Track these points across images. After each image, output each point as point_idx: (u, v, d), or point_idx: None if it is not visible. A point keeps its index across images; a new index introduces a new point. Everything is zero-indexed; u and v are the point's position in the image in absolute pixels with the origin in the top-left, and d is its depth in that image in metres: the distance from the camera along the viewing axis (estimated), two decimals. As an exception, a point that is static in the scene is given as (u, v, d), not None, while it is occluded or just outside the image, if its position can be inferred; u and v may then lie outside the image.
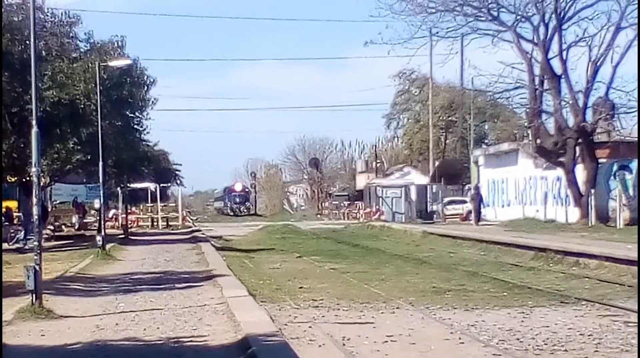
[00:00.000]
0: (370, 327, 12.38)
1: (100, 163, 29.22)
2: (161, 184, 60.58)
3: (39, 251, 13.58)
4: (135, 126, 37.58)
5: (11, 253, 26.65)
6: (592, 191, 36.94)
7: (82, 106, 30.56)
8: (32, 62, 14.68)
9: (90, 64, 30.84)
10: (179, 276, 20.33)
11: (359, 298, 15.76)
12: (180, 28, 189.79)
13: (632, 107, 37.09)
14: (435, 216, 54.95)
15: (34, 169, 14.21)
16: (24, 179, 31.98)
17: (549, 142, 39.32)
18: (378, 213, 55.63)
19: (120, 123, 34.15)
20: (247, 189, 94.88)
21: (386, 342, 11.09)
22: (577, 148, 38.25)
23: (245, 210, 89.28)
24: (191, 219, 65.25)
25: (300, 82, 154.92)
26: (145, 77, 35.60)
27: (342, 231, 45.51)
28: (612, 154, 38.95)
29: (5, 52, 26.53)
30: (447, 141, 73.97)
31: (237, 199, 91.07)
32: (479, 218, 43.53)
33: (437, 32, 42.29)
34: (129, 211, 49.20)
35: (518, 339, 11.32)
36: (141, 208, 60.91)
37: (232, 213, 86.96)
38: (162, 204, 60.24)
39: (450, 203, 55.97)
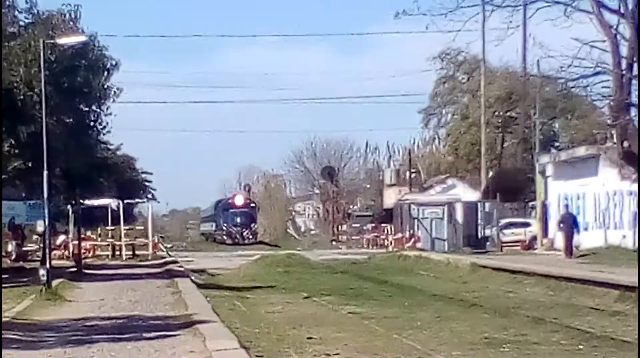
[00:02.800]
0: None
1: (45, 173, 29.25)
2: (125, 201, 60.64)
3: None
4: (92, 123, 37.66)
5: None
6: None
7: (21, 97, 30.65)
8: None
9: (32, 42, 30.92)
10: (148, 322, 20.38)
11: (387, 352, 15.81)
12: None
13: None
14: (488, 243, 55.02)
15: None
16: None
17: (639, 145, 39.32)
18: (413, 239, 55.70)
19: (71, 120, 34.20)
20: (252, 205, 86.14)
21: (422, 411, 11.11)
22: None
23: (251, 236, 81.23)
24: (165, 247, 65.35)
25: (308, 67, 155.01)
26: (105, 60, 35.72)
27: (364, 264, 45.57)
28: None
29: None
30: (505, 145, 74.07)
31: (239, 220, 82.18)
32: (571, 248, 41.43)
33: (492, 0, 42.44)
34: (82, 236, 49.31)
35: (597, 407, 11.33)
36: (99, 232, 61.00)
37: (230, 241, 79.36)
38: (127, 227, 60.27)
39: (509, 226, 56.12)
